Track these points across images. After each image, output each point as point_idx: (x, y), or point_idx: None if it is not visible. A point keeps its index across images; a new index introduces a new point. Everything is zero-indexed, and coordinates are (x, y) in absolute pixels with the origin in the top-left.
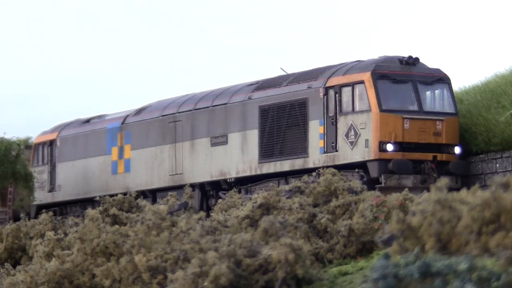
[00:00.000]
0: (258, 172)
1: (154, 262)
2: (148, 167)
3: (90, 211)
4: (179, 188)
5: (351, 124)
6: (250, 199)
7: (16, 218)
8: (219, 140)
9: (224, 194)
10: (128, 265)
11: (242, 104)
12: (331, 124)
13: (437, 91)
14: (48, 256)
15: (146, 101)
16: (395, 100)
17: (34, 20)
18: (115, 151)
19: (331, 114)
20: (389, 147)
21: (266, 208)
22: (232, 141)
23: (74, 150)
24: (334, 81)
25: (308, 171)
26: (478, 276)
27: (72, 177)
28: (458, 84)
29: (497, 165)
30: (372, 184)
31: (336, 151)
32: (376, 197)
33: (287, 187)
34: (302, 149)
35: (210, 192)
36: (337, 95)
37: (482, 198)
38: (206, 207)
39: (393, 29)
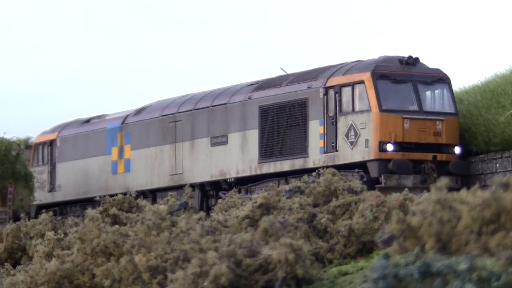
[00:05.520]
0: (258, 172)
1: (154, 262)
2: (148, 167)
3: (90, 211)
4: (179, 188)
5: (351, 124)
6: (250, 199)
7: (16, 218)
8: (219, 140)
9: (224, 194)
10: (128, 265)
11: (242, 104)
12: (331, 124)
13: (437, 91)
14: (48, 256)
15: (146, 101)
16: (395, 100)
17: (34, 20)
18: (115, 151)
19: (331, 114)
20: (389, 147)
21: (266, 208)
22: (232, 141)
23: (74, 150)
24: (334, 81)
25: (308, 171)
26: (478, 276)
27: (72, 177)
28: (458, 84)
29: (497, 165)
30: (372, 184)
31: (336, 151)
32: (376, 197)
33: (287, 187)
34: (302, 149)
35: (210, 192)
36: (337, 95)
37: (482, 198)
38: (206, 207)
39: (393, 29)
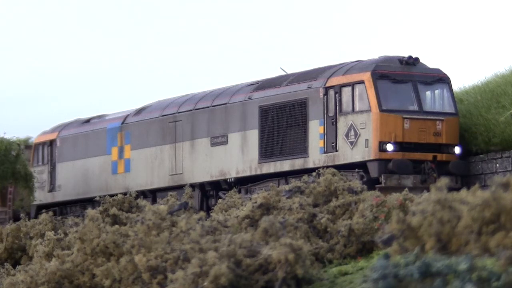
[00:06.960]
0: (258, 172)
1: (154, 262)
2: (148, 167)
3: (90, 211)
4: (179, 188)
5: (351, 124)
6: (250, 199)
7: (16, 218)
8: (219, 140)
9: (224, 194)
10: (128, 265)
11: (242, 104)
12: (331, 124)
13: (437, 91)
14: (48, 256)
15: (146, 101)
16: (395, 100)
17: (34, 20)
18: (115, 151)
19: (331, 114)
20: (389, 147)
21: (266, 208)
22: (232, 141)
23: (74, 150)
24: (334, 81)
25: (308, 171)
26: (478, 276)
27: (72, 177)
28: (458, 84)
29: (497, 165)
30: (372, 184)
31: (336, 151)
32: (376, 197)
33: (287, 187)
34: (302, 149)
35: (210, 192)
36: (337, 95)
37: (482, 198)
38: (206, 207)
39: (393, 29)
